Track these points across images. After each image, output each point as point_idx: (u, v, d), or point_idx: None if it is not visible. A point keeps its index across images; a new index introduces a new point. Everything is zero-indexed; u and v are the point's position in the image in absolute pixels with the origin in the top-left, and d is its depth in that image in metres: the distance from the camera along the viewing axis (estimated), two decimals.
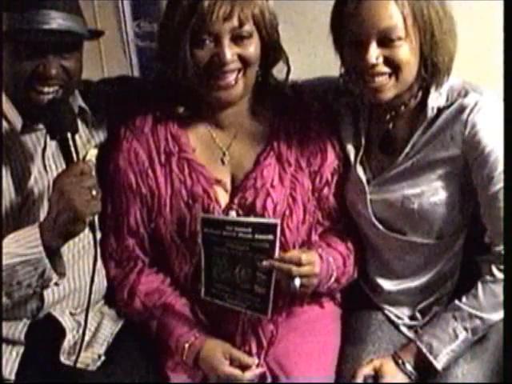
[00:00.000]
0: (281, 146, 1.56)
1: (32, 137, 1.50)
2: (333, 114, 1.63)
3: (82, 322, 1.48)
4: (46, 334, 1.54)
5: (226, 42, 1.43)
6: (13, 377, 1.48)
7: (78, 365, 1.47)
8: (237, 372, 1.48)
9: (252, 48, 1.47)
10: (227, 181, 1.57)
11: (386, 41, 1.37)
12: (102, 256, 1.59)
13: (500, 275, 1.44)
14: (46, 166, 1.50)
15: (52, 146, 1.49)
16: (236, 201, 1.54)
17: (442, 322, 1.49)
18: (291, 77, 1.60)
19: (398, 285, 1.62)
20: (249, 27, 1.45)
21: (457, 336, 1.46)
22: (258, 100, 1.60)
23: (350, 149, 1.59)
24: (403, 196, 1.51)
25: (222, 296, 1.51)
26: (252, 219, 1.48)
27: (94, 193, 1.33)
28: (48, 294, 1.52)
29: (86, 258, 1.56)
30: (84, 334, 1.46)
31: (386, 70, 1.40)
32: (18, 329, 1.52)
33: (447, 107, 1.46)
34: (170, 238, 1.55)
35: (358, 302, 1.69)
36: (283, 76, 1.59)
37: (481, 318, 1.45)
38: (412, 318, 1.62)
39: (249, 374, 1.49)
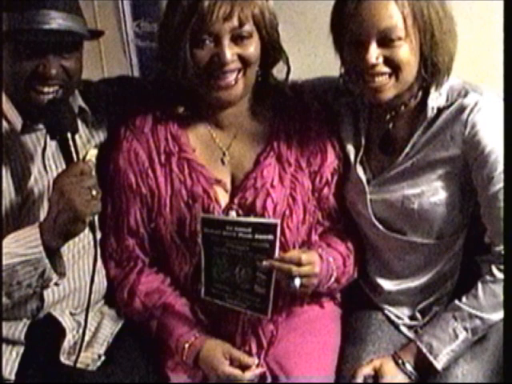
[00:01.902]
0: (281, 146, 1.56)
1: (32, 137, 1.50)
2: (333, 114, 1.63)
3: (82, 322, 1.48)
4: (46, 333, 1.54)
5: (226, 42, 1.43)
6: (13, 377, 1.48)
7: (78, 365, 1.47)
8: (237, 372, 1.48)
9: (252, 48, 1.47)
10: (227, 181, 1.57)
11: (386, 41, 1.37)
12: (102, 256, 1.59)
13: (500, 275, 1.44)
14: (46, 166, 1.50)
15: (52, 146, 1.49)
16: (236, 201, 1.54)
17: (442, 322, 1.49)
18: (291, 77, 1.60)
19: (398, 285, 1.62)
20: (249, 27, 1.45)
21: (457, 336, 1.46)
22: (257, 100, 1.60)
23: (350, 149, 1.59)
24: (403, 196, 1.51)
25: (221, 296, 1.51)
26: (252, 219, 1.48)
27: (94, 193, 1.33)
28: (48, 294, 1.52)
29: (86, 258, 1.56)
30: (84, 334, 1.46)
31: (386, 70, 1.40)
32: (18, 329, 1.52)
33: (447, 107, 1.46)
34: (170, 238, 1.55)
35: (358, 302, 1.69)
36: (283, 76, 1.59)
37: (481, 318, 1.45)
38: (412, 318, 1.62)
39: (249, 374, 1.48)
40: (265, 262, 1.41)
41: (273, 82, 1.59)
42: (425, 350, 1.47)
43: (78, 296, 1.58)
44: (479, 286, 1.46)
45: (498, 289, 1.43)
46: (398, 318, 1.63)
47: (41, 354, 1.52)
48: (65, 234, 1.34)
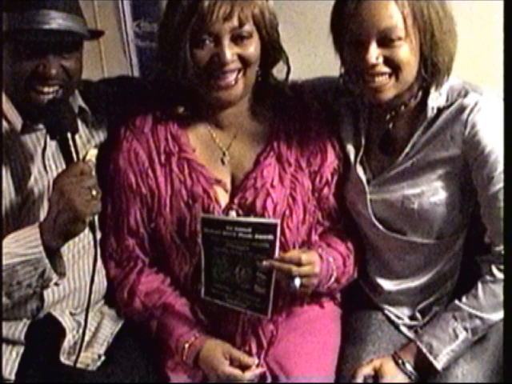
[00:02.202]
0: (281, 146, 1.57)
1: (32, 137, 1.50)
2: (333, 114, 1.63)
3: (82, 322, 1.48)
4: (46, 333, 1.54)
5: (226, 42, 1.43)
6: (13, 377, 1.48)
7: (78, 365, 1.47)
8: (237, 372, 1.48)
9: (252, 48, 1.47)
10: (227, 181, 1.57)
11: (386, 41, 1.38)
12: (102, 256, 1.59)
13: (500, 275, 1.44)
14: (46, 166, 1.50)
15: (52, 146, 1.49)
16: (236, 201, 1.54)
17: (442, 322, 1.49)
18: (291, 77, 1.60)
19: (398, 285, 1.62)
20: (249, 27, 1.45)
21: (457, 336, 1.46)
22: (257, 100, 1.60)
23: (350, 149, 1.59)
24: (403, 196, 1.51)
25: (221, 296, 1.51)
26: (252, 219, 1.48)
27: (94, 193, 1.33)
28: (48, 294, 1.52)
29: (86, 258, 1.56)
30: (84, 334, 1.46)
31: (386, 70, 1.40)
32: (18, 329, 1.52)
33: (447, 107, 1.46)
34: (170, 238, 1.55)
35: (358, 302, 1.69)
36: (283, 76, 1.59)
37: (481, 318, 1.45)
38: (412, 318, 1.62)
39: (249, 374, 1.48)
40: (265, 262, 1.41)
41: (273, 82, 1.59)
42: (425, 350, 1.47)
43: (78, 296, 1.58)
44: (479, 286, 1.46)
45: (498, 289, 1.44)
46: (398, 317, 1.63)
47: (41, 354, 1.52)
48: (65, 233, 1.34)
